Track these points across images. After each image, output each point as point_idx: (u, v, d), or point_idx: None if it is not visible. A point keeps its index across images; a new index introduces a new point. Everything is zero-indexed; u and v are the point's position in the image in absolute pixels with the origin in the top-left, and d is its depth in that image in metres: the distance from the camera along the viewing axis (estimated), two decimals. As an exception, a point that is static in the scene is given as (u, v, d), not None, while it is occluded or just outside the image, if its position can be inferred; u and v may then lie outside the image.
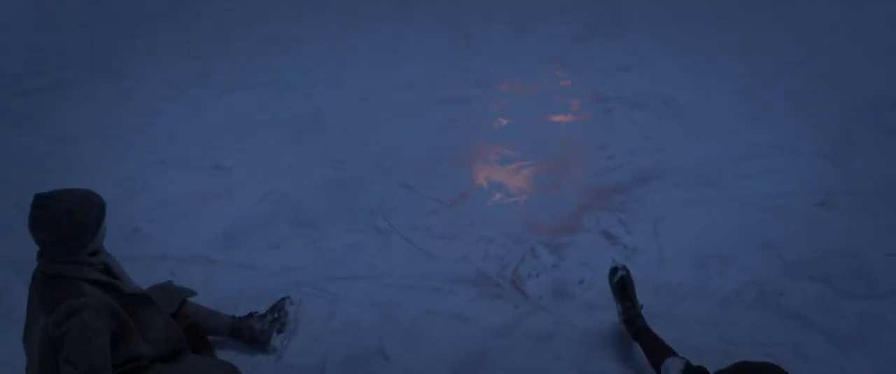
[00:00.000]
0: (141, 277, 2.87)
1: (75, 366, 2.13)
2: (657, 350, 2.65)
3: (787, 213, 3.68)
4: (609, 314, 2.97)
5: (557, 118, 4.73)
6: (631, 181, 4.01)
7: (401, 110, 4.90)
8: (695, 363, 2.51)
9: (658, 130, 4.56)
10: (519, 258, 3.39)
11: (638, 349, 2.77)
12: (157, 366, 2.44)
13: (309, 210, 3.83)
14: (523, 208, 3.81)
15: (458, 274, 3.32)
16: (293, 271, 3.36)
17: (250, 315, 2.93)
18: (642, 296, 2.94)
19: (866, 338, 2.85)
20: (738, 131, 4.52)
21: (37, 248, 2.21)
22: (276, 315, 2.96)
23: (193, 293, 2.84)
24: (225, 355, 2.81)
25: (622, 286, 2.88)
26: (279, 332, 2.92)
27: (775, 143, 4.36)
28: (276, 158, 4.37)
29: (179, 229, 3.70)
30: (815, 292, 3.10)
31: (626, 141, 4.43)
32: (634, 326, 2.78)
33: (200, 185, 4.12)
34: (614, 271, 2.91)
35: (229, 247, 3.54)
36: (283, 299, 3.04)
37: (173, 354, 2.51)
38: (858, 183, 3.92)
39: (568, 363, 2.80)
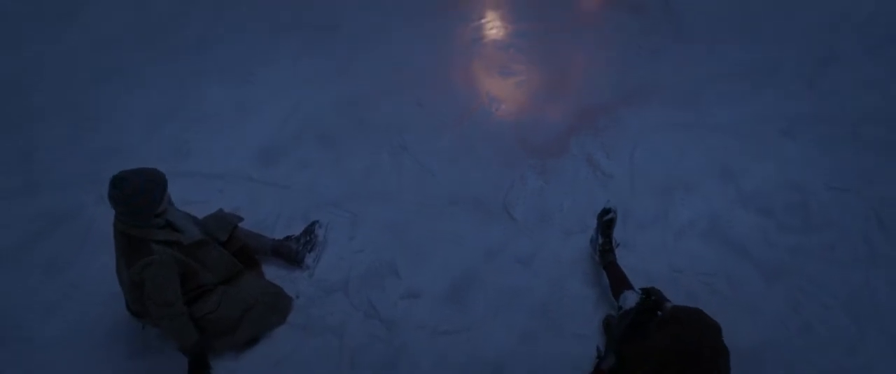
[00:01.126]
0: (195, 193, 3.54)
1: (155, 302, 2.84)
2: (619, 283, 3.26)
3: (752, 140, 4.10)
4: (582, 241, 3.55)
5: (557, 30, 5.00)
6: (616, 101, 4.40)
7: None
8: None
9: (649, 38, 4.84)
10: (509, 184, 3.92)
11: (604, 275, 3.37)
12: (220, 288, 3.12)
13: (331, 128, 4.31)
14: (518, 127, 4.26)
15: (458, 196, 3.87)
16: (321, 191, 3.92)
17: (288, 238, 3.56)
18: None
19: (791, 270, 3.42)
20: (726, 44, 4.78)
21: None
22: (308, 237, 3.58)
23: (241, 219, 3.44)
24: (268, 271, 3.47)
25: (608, 225, 3.43)
26: (310, 251, 3.56)
27: (759, 60, 4.65)
28: (296, 70, 4.77)
29: (220, 146, 4.22)
30: (758, 225, 3.63)
31: (621, 52, 4.76)
32: (606, 259, 3.36)
33: (233, 100, 4.57)
34: (606, 211, 3.44)
35: (265, 165, 4.08)
36: (314, 223, 3.64)
37: (232, 276, 3.17)
38: (824, 110, 4.28)
39: (544, 282, 3.43)
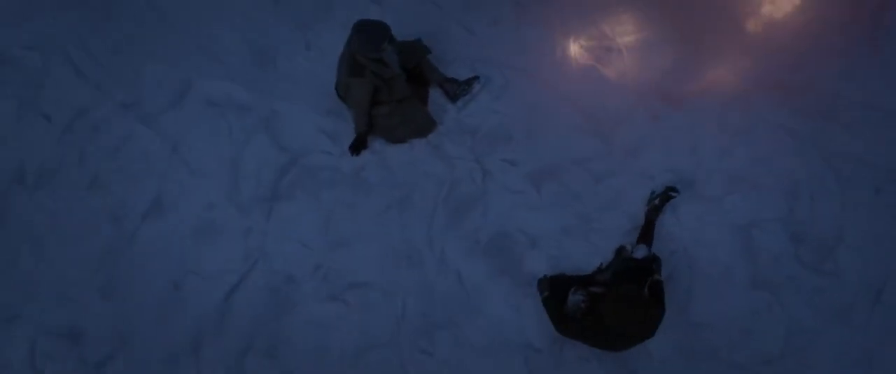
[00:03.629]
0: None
1: (351, 101, 4.33)
2: (645, 234, 4.30)
3: (842, 181, 4.55)
4: (647, 189, 4.50)
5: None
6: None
7: None
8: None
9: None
10: (633, 116, 4.72)
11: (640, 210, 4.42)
12: (394, 103, 4.44)
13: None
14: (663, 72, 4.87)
15: (593, 112, 4.75)
16: (500, 47, 4.89)
17: (452, 80, 4.68)
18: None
19: (774, 288, 4.31)
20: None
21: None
22: (467, 86, 4.69)
23: (429, 52, 4.60)
24: (432, 96, 4.71)
25: (667, 199, 4.39)
26: (464, 96, 4.70)
27: None
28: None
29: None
30: (782, 245, 4.40)
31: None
32: (651, 216, 4.36)
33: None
34: (674, 190, 4.39)
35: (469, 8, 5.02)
36: (476, 77, 4.72)
37: (404, 98, 4.45)
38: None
39: (601, 199, 4.51)
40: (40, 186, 4.56)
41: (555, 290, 4.10)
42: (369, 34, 4.02)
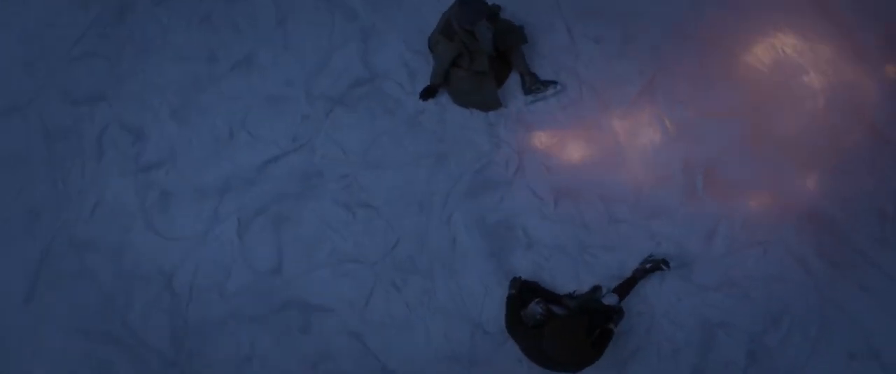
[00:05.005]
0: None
1: (435, 57, 4.70)
2: (623, 286, 4.56)
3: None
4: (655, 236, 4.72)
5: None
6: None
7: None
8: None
9: None
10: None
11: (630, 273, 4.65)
12: (472, 71, 4.74)
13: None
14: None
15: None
16: (579, 66, 5.06)
17: (534, 75, 4.90)
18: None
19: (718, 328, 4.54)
20: None
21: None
22: (542, 87, 4.91)
23: (525, 42, 4.82)
24: (510, 80, 4.98)
25: (657, 269, 4.59)
26: (537, 93, 4.93)
27: None
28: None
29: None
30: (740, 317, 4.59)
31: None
32: (638, 273, 4.59)
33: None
34: (667, 265, 4.58)
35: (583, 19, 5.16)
36: (555, 82, 4.91)
37: (482, 72, 4.73)
38: None
39: (609, 240, 4.75)
40: (161, 2, 5.15)
41: (523, 293, 4.46)
42: (470, 7, 4.28)
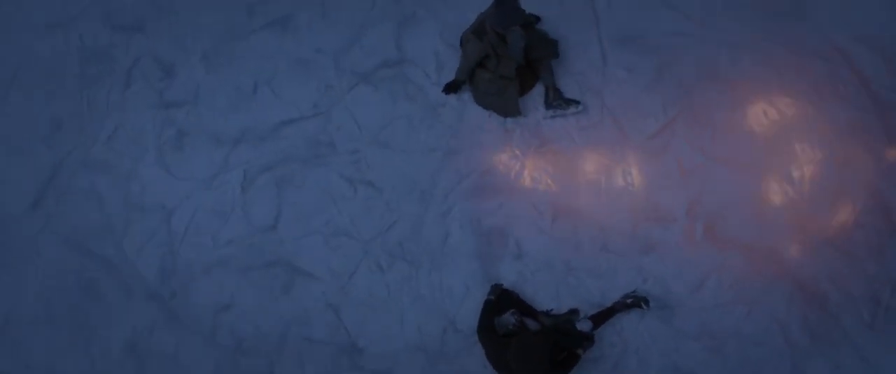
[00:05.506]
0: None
1: (463, 53, 4.72)
2: (601, 316, 4.56)
3: None
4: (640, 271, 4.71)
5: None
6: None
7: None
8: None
9: None
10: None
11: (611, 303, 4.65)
12: (497, 76, 4.74)
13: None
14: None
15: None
16: (604, 90, 5.03)
17: (558, 90, 4.89)
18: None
19: None
20: None
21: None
22: (565, 103, 4.90)
23: (556, 57, 4.81)
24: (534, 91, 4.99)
25: (637, 306, 4.60)
26: (557, 109, 4.91)
27: None
28: None
29: None
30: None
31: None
32: (618, 307, 4.59)
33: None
34: (647, 304, 4.57)
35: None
36: (577, 101, 4.90)
37: (506, 77, 4.74)
38: None
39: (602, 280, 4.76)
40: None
41: (500, 301, 4.49)
42: (504, 12, 4.28)
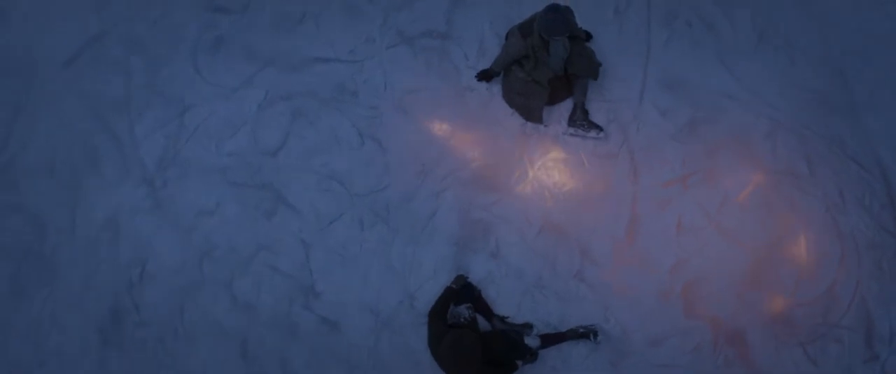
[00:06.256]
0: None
1: (504, 47, 4.71)
2: (552, 338, 4.53)
3: None
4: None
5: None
6: None
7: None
8: None
9: None
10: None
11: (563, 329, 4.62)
12: (530, 79, 4.70)
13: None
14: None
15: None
16: (631, 127, 4.96)
17: (586, 111, 4.83)
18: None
19: None
20: None
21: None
22: (588, 126, 4.84)
23: (595, 78, 4.74)
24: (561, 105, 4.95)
25: (585, 338, 4.56)
26: (579, 129, 4.86)
27: None
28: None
29: None
30: None
31: None
32: (570, 334, 4.56)
33: None
34: (595, 338, 4.54)
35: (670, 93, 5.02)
36: (600, 128, 4.85)
37: (539, 83, 4.70)
38: None
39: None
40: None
41: (461, 292, 4.50)
42: (552, 19, 4.23)
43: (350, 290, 4.82)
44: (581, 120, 4.85)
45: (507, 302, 4.72)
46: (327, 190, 4.95)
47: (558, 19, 4.26)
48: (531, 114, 4.87)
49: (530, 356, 4.36)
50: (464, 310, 4.26)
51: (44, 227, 5.00)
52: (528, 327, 4.63)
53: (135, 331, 4.85)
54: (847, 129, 4.94)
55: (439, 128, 4.98)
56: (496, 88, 4.98)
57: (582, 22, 4.86)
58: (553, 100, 4.90)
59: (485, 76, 4.89)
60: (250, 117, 5.07)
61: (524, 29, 4.45)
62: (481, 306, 4.58)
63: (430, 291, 4.74)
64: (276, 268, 4.87)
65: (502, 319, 4.63)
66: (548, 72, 4.59)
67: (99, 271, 4.94)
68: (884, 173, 4.87)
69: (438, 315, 4.34)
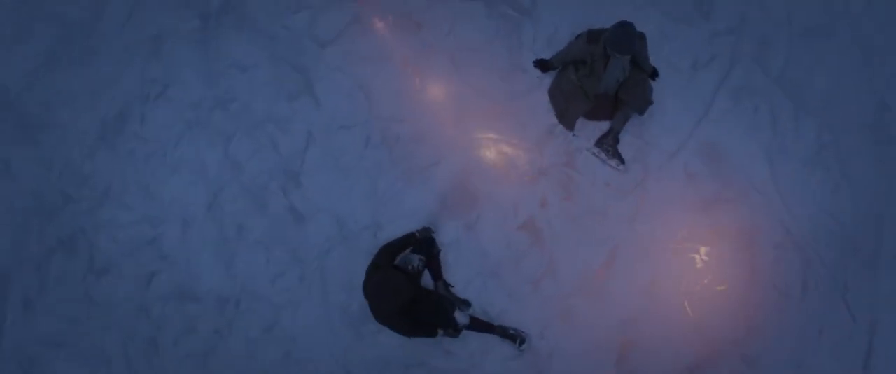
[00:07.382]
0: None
1: (568, 44, 4.62)
2: (482, 325, 4.51)
3: None
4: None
5: None
6: None
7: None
8: None
9: None
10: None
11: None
12: (579, 85, 4.63)
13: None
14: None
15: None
16: (653, 166, 4.85)
17: (617, 139, 4.75)
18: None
19: None
20: None
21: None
22: (612, 153, 4.76)
23: (642, 113, 4.66)
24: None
25: (514, 340, 4.58)
26: (602, 153, 4.78)
27: None
28: None
29: None
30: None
31: None
32: (502, 330, 4.55)
33: None
34: (522, 344, 4.55)
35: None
36: (623, 161, 4.76)
37: (585, 93, 4.63)
38: None
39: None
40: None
41: (420, 243, 4.52)
42: (619, 35, 4.13)
43: (329, 195, 4.92)
44: (609, 145, 4.78)
45: (460, 275, 4.72)
46: (353, 98, 5.02)
47: (624, 37, 4.17)
48: (566, 118, 4.82)
49: (453, 330, 4.35)
50: (415, 259, 4.28)
51: (100, 15, 5.27)
52: (465, 304, 4.63)
53: (129, 141, 5.09)
54: (856, 276, 4.72)
55: (477, 93, 4.98)
56: (547, 80, 4.94)
57: (656, 60, 4.77)
58: (592, 115, 4.83)
59: (542, 65, 4.85)
60: (317, 2, 5.18)
61: (593, 35, 4.39)
62: (433, 265, 4.60)
63: (397, 228, 4.79)
64: (275, 144, 5.00)
65: (447, 285, 4.64)
66: (597, 85, 4.53)
67: (123, 76, 5.17)
68: (871, 332, 4.66)
69: (390, 252, 4.37)
